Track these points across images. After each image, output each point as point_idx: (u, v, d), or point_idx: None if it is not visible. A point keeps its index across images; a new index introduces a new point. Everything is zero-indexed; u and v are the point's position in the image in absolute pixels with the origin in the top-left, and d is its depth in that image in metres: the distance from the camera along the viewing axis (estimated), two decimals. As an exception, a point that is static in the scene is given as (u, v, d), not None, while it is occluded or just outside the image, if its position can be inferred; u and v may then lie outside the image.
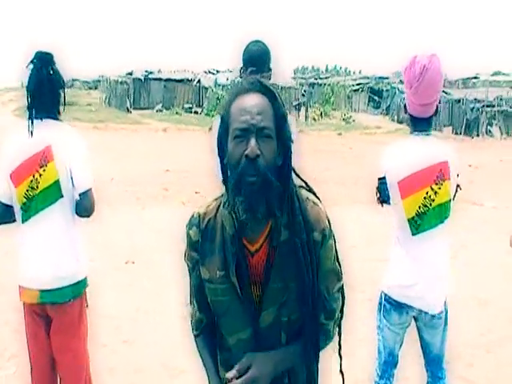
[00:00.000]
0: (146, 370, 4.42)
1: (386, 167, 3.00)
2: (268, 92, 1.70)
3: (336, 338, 1.93)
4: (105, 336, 4.80)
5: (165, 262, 6.82)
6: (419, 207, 2.91)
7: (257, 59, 3.17)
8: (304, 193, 1.82)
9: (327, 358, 1.98)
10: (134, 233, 8.38)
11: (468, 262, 7.18)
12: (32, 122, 2.88)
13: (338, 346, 1.94)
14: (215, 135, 3.20)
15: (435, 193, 2.90)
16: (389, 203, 3.04)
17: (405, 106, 3.04)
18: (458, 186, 3.05)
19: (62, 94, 3.00)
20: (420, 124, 2.99)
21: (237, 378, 1.73)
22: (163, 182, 12.51)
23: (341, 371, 1.96)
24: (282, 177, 1.70)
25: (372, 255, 6.74)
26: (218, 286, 1.79)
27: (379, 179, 3.05)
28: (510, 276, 6.94)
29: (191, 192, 10.84)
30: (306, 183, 1.86)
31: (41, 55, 2.91)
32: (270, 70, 3.24)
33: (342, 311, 1.91)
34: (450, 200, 2.98)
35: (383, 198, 3.06)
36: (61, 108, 3.03)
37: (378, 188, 3.08)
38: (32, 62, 2.90)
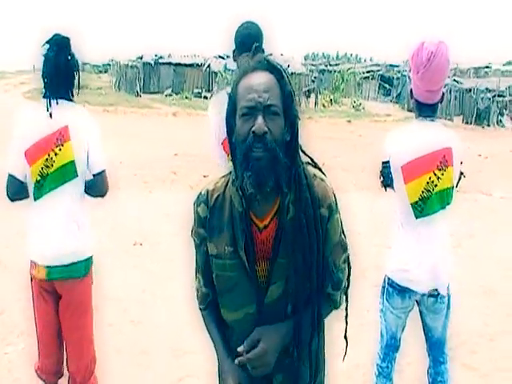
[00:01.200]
0: (152, 351, 4.48)
1: (390, 151, 3.02)
2: (275, 70, 1.73)
3: (343, 306, 1.99)
4: (112, 316, 4.86)
5: (172, 244, 6.87)
6: (422, 192, 2.92)
7: (249, 41, 3.14)
8: (310, 169, 1.86)
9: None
10: (142, 216, 8.43)
11: (475, 252, 7.19)
12: (50, 103, 2.92)
13: (345, 312, 2.00)
14: (212, 115, 3.20)
15: (438, 178, 2.91)
16: (392, 187, 3.06)
17: (411, 90, 3.05)
18: (461, 173, 3.06)
19: (77, 77, 3.04)
20: (425, 110, 2.99)
21: (247, 352, 1.78)
22: (171, 166, 12.54)
23: (345, 337, 2.02)
24: (289, 153, 1.73)
25: (378, 241, 6.76)
26: (227, 261, 1.83)
27: (383, 163, 3.07)
28: (517, 267, 6.95)
29: (199, 176, 10.85)
30: (312, 159, 1.90)
31: (58, 39, 2.95)
32: (263, 51, 3.21)
33: (348, 280, 1.96)
34: (453, 186, 2.99)
35: (386, 182, 3.08)
36: (75, 91, 3.07)
37: (381, 172, 3.10)
38: (49, 43, 2.93)
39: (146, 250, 6.96)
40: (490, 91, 29.10)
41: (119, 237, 7.28)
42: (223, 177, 1.90)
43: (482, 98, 28.42)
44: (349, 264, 1.94)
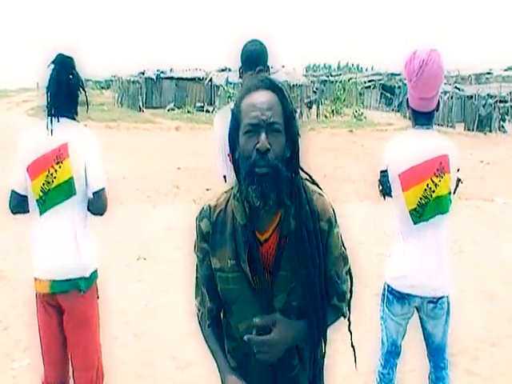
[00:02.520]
0: (156, 363, 4.50)
1: (388, 160, 3.07)
2: (277, 89, 1.81)
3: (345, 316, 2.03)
4: (115, 329, 4.89)
5: (175, 258, 6.91)
6: (420, 199, 2.96)
7: (254, 59, 3.24)
8: (310, 185, 1.92)
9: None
10: (145, 230, 8.46)
11: (477, 258, 7.20)
12: (51, 121, 2.99)
13: (347, 322, 2.04)
14: (218, 130, 3.28)
15: (435, 185, 2.95)
16: (391, 196, 3.10)
17: (407, 100, 3.10)
18: (459, 179, 3.10)
19: (81, 96, 3.12)
20: (421, 118, 3.04)
21: (259, 335, 1.83)
22: (174, 180, 12.60)
23: (352, 345, 2.06)
24: (290, 168, 1.81)
25: (380, 251, 6.78)
26: (229, 274, 1.89)
27: (381, 172, 3.12)
28: (519, 272, 6.96)
29: (202, 189, 10.90)
30: (310, 176, 1.96)
31: (61, 59, 3.02)
32: (268, 68, 3.30)
33: (351, 291, 2.02)
34: (450, 193, 3.02)
35: (385, 190, 3.13)
36: (79, 109, 3.14)
37: (380, 181, 3.15)
38: (53, 63, 3.01)
39: (150, 264, 6.99)
40: (491, 97, 29.12)
41: (123, 251, 7.32)
42: (225, 192, 1.95)
43: (484, 105, 28.43)
44: (351, 275, 2.00)
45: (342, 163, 15.81)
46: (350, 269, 2.00)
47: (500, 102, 28.96)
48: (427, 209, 2.98)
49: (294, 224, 1.82)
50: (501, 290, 6.20)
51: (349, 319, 2.04)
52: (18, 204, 3.08)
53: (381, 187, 3.16)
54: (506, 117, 28.67)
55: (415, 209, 2.98)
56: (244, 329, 1.90)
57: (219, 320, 2.04)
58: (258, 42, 3.32)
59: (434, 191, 2.95)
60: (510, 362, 4.55)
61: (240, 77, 3.35)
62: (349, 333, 2.04)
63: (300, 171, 1.89)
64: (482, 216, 9.62)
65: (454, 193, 3.09)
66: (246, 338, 1.83)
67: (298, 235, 1.81)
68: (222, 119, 3.27)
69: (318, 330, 1.89)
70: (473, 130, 27.88)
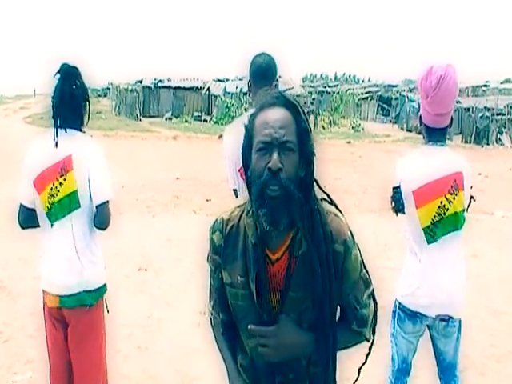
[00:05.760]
0: (160, 377, 4.46)
1: (401, 177, 3.04)
2: (291, 106, 1.77)
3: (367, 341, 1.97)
4: (118, 342, 4.84)
5: (177, 269, 6.87)
6: (434, 216, 2.94)
7: (263, 72, 3.24)
8: (326, 205, 1.87)
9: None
10: (145, 241, 8.42)
11: (479, 272, 7.16)
12: (56, 133, 2.95)
13: (368, 350, 1.98)
14: (227, 143, 3.28)
15: (449, 202, 2.93)
16: (403, 212, 3.07)
17: (420, 116, 3.08)
18: (471, 197, 3.08)
19: (87, 106, 3.07)
20: (435, 134, 3.03)
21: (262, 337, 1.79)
22: (174, 190, 12.56)
23: (359, 370, 2.00)
24: (303, 189, 1.75)
25: (381, 264, 6.75)
26: (239, 291, 1.86)
27: (394, 188, 3.09)
28: (521, 286, 6.94)
29: (202, 200, 10.88)
30: (328, 196, 1.91)
31: (66, 69, 2.99)
32: (277, 81, 3.30)
33: (375, 316, 1.95)
34: (464, 210, 3.01)
35: (398, 207, 3.10)
36: (85, 119, 3.08)
37: (392, 197, 3.11)
38: (58, 73, 2.98)
39: (151, 276, 6.95)
40: (488, 110, 29.23)
41: (123, 262, 7.27)
42: (238, 207, 1.93)
43: (481, 117, 28.52)
44: (374, 299, 1.93)
45: (341, 174, 15.78)
46: (373, 292, 1.92)
47: (497, 114, 29.06)
48: (441, 227, 2.96)
49: (306, 245, 1.77)
50: (504, 306, 6.18)
51: (370, 347, 1.97)
52: (27, 218, 3.04)
53: (393, 204, 3.12)
54: (503, 129, 28.74)
55: (429, 226, 2.96)
56: (252, 346, 1.87)
57: (232, 328, 1.99)
58: (267, 54, 3.32)
59: (447, 209, 2.94)
60: (516, 379, 4.53)
61: (249, 89, 3.34)
62: (365, 360, 1.98)
63: (316, 190, 1.84)
64: (482, 230, 9.61)
65: (467, 210, 3.07)
66: (249, 327, 1.80)
67: (309, 258, 1.77)
68: (231, 133, 3.26)
69: (327, 350, 1.83)
70: (470, 143, 27.95)
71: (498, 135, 28.53)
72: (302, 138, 1.76)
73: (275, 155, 1.68)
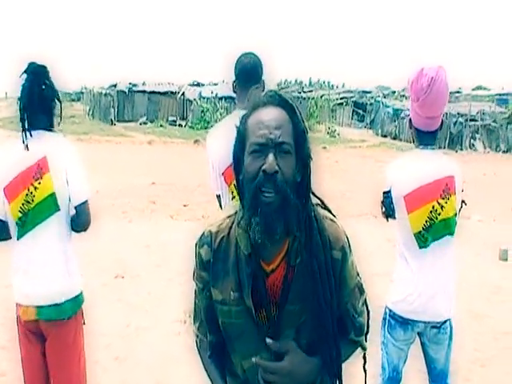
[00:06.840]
0: (139, 388, 4.32)
1: (392, 181, 2.97)
2: (287, 106, 1.63)
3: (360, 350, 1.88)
4: (96, 353, 4.67)
5: (154, 277, 6.73)
6: (425, 221, 2.87)
7: (249, 72, 3.11)
8: (320, 211, 1.76)
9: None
10: (122, 247, 8.25)
11: (459, 276, 7.16)
12: (26, 135, 2.79)
13: (363, 360, 1.89)
14: (211, 147, 3.16)
15: (441, 207, 2.87)
16: (394, 218, 3.00)
17: (410, 120, 3.01)
18: (462, 201, 3.03)
19: (57, 106, 2.92)
20: (426, 138, 2.97)
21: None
22: (150, 195, 12.40)
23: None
24: (300, 194, 1.63)
25: (369, 270, 6.69)
26: (232, 308, 1.71)
27: (384, 193, 3.01)
28: (500, 289, 6.96)
29: (179, 205, 10.74)
30: (321, 201, 1.80)
31: (34, 68, 2.82)
32: (262, 81, 3.19)
33: (368, 323, 1.86)
34: (456, 214, 2.95)
35: (388, 212, 3.02)
36: (55, 120, 2.93)
37: (382, 202, 3.04)
38: (26, 73, 2.82)
39: (128, 283, 6.79)
40: (461, 116, 29.61)
41: (100, 269, 7.08)
42: (228, 217, 1.76)
43: (455, 123, 28.90)
44: (367, 306, 1.85)
45: (317, 180, 15.75)
46: (365, 299, 1.83)
47: (470, 120, 29.46)
48: (432, 232, 2.89)
49: (303, 254, 1.65)
50: (485, 309, 6.20)
51: (364, 357, 1.88)
52: (0, 231, 2.86)
53: (384, 209, 3.05)
54: (476, 135, 29.15)
55: (420, 232, 2.89)
56: (248, 367, 1.73)
57: (220, 349, 1.85)
58: (253, 54, 3.18)
59: (439, 213, 2.87)
60: (500, 383, 4.50)
61: (234, 91, 3.22)
62: (363, 372, 1.88)
63: (311, 196, 1.72)
64: (460, 233, 9.64)
65: (458, 214, 3.01)
66: (253, 359, 1.67)
67: (308, 267, 1.65)
68: (215, 136, 3.15)
69: (333, 368, 1.73)
70: (444, 148, 28.25)
71: (472, 141, 28.93)
72: (299, 139, 1.62)
73: (271, 157, 1.54)
